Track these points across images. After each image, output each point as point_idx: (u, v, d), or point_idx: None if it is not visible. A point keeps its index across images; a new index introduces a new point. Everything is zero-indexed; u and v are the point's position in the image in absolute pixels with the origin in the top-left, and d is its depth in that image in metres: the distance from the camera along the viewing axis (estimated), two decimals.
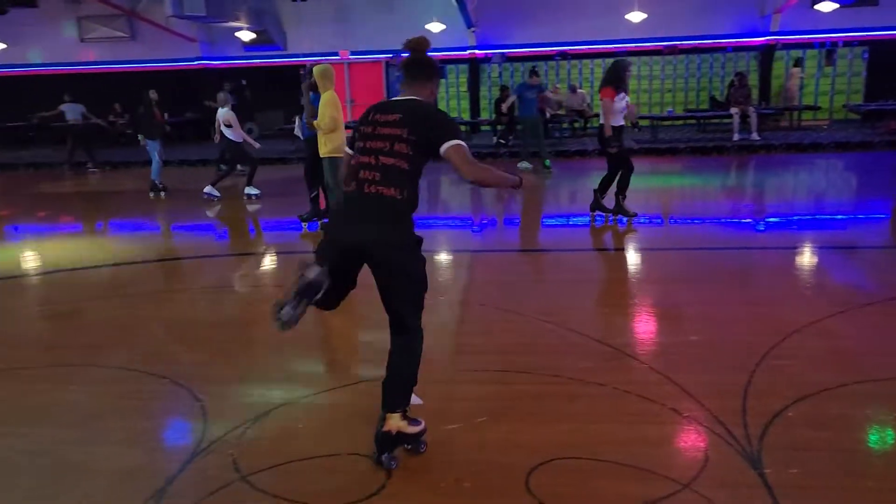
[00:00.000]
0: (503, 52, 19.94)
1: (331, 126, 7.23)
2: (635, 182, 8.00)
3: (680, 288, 5.61)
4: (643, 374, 3.83)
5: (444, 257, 7.12)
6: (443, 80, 20.87)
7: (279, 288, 4.98)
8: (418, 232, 2.88)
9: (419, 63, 3.02)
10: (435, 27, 18.78)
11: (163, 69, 20.90)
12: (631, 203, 7.95)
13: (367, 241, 2.78)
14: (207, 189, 10.78)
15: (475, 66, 20.37)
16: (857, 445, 3.10)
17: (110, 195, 13.04)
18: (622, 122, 7.69)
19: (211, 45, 21.20)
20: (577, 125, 17.96)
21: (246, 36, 19.41)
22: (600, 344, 4.32)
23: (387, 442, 2.93)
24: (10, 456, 3.19)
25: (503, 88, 17.32)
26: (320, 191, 8.37)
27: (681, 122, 18.66)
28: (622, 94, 7.54)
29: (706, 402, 3.40)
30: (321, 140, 7.42)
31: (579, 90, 17.93)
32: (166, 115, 15.88)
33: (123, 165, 16.26)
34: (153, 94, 12.27)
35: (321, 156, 7.48)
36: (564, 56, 19.90)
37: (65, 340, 4.98)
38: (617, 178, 7.80)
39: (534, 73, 13.28)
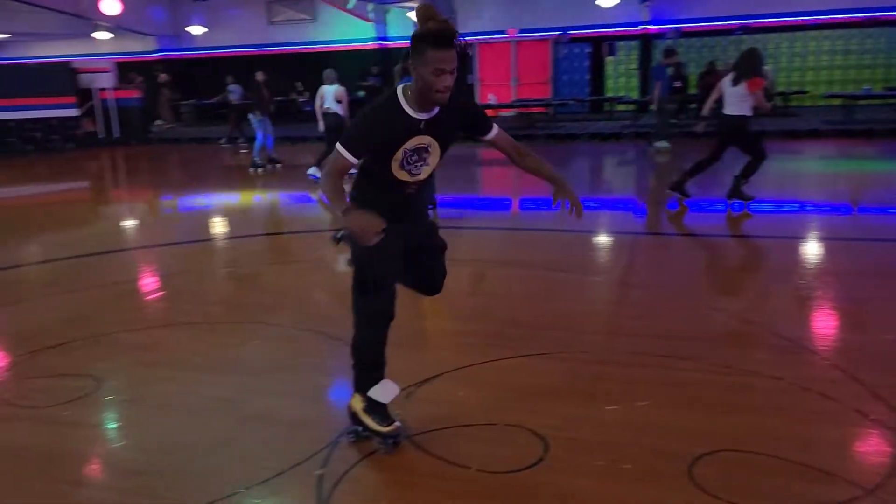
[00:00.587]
0: (678, 28, 19.00)
1: None
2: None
3: (870, 281, 5.13)
4: (824, 371, 3.56)
5: (602, 239, 6.98)
6: (610, 58, 20.29)
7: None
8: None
9: None
10: (606, 2, 18.26)
11: (340, 49, 21.94)
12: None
13: None
14: (312, 171, 10.68)
15: (647, 43, 19.61)
16: None
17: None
18: (751, 112, 7.35)
19: (385, 26, 21.94)
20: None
21: None
22: (777, 336, 4.06)
23: (351, 416, 3.00)
24: (200, 401, 3.53)
25: (677, 65, 16.57)
26: None
27: (879, 101, 16.94)
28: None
29: None
30: None
31: (763, 67, 16.76)
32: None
33: (286, 140, 16.55)
34: (260, 76, 12.73)
35: None
36: (746, 30, 18.64)
37: (248, 300, 5.42)
38: (709, 161, 7.73)
39: (669, 52, 12.67)
